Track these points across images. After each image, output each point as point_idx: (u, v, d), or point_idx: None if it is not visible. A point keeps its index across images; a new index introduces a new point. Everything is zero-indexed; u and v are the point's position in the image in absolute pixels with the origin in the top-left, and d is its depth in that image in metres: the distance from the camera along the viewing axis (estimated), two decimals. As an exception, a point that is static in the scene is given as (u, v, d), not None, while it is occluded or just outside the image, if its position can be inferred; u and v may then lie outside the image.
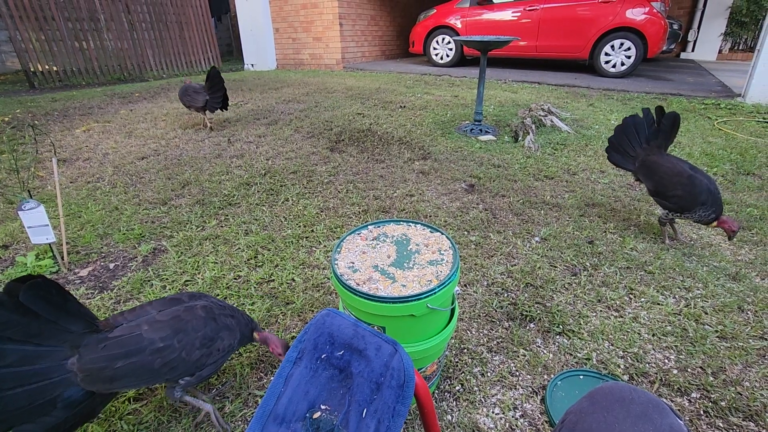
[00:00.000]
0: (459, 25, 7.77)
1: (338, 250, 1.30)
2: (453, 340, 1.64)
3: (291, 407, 0.60)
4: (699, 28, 10.79)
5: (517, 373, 1.49)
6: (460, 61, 8.20)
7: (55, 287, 1.04)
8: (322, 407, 0.60)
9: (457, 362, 1.54)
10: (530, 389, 1.43)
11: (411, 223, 1.45)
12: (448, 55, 8.19)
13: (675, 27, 8.38)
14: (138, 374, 1.10)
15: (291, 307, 1.80)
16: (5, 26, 6.44)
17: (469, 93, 5.74)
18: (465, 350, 1.59)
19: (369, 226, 1.43)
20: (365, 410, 0.57)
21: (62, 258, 2.10)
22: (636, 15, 6.30)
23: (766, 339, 1.63)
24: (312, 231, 2.41)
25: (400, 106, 5.02)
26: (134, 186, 3.00)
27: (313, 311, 1.80)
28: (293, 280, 1.99)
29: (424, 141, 3.88)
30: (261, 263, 2.12)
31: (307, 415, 0.59)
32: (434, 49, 8.28)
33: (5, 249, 2.25)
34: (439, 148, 3.74)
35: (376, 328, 1.17)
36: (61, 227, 2.10)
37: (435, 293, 1.11)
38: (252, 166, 3.32)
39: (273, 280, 1.98)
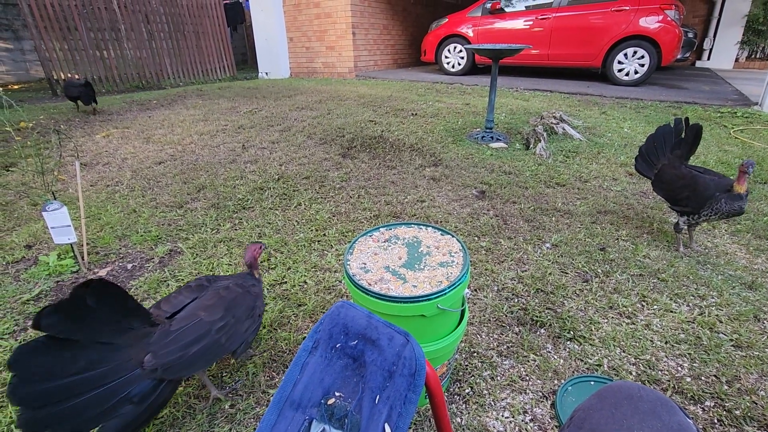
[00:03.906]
0: (471, 34, 7.83)
1: (351, 251, 1.32)
2: (463, 344, 1.65)
3: (307, 394, 0.62)
4: (715, 36, 10.68)
5: (527, 378, 1.49)
6: (472, 69, 8.24)
7: (114, 288, 1.07)
8: (337, 394, 0.62)
9: (467, 365, 1.55)
10: (540, 394, 1.43)
11: (422, 226, 1.47)
12: (459, 64, 8.24)
13: (690, 35, 8.31)
14: (210, 354, 1.20)
15: (303, 309, 1.83)
16: (30, 36, 6.69)
17: (481, 101, 5.76)
18: (475, 354, 1.60)
19: (381, 229, 1.45)
20: (378, 397, 0.59)
21: (82, 258, 2.16)
22: (649, 23, 6.27)
23: (782, 348, 1.60)
24: (324, 235, 2.44)
25: (412, 114, 5.06)
26: (151, 190, 3.08)
27: (324, 313, 1.83)
28: (305, 282, 2.02)
29: (436, 148, 3.91)
30: (274, 266, 2.15)
31: (322, 401, 0.61)
32: (446, 57, 8.34)
33: (29, 249, 2.33)
34: (450, 155, 3.76)
35: (387, 327, 1.19)
36: (81, 228, 2.17)
37: (445, 294, 1.12)
38: (265, 171, 3.38)
39: (285, 282, 2.02)
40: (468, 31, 7.85)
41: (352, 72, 8.76)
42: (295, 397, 0.62)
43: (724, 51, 10.69)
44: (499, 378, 1.49)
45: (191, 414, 1.35)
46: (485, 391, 1.44)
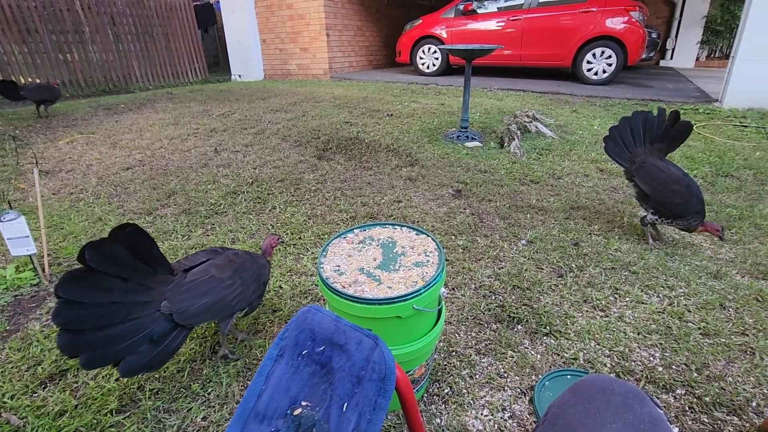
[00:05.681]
0: (444, 35, 7.89)
1: (324, 253, 1.30)
2: (441, 343, 1.64)
3: (272, 404, 0.59)
4: (677, 36, 11.13)
5: (506, 375, 1.50)
6: (446, 70, 8.31)
7: (145, 234, 1.19)
8: (303, 403, 0.60)
9: (445, 365, 1.54)
10: (518, 390, 1.43)
11: (397, 226, 1.45)
12: (434, 65, 8.30)
13: (653, 36, 8.63)
14: (217, 307, 1.33)
15: (278, 315, 1.79)
16: (-13, 39, 6.36)
17: (456, 101, 5.81)
18: (453, 353, 1.59)
19: (355, 230, 1.43)
20: (346, 404, 0.57)
21: (43, 270, 2.05)
22: (615, 24, 6.47)
23: (747, 335, 1.66)
24: (299, 238, 2.40)
25: (388, 115, 5.06)
26: (118, 197, 2.97)
27: (300, 318, 1.79)
28: (280, 287, 1.97)
29: (412, 148, 3.91)
30: (248, 271, 2.10)
31: (288, 411, 0.58)
32: (420, 58, 8.38)
33: (-16, 262, 2.20)
34: (426, 154, 3.77)
35: (362, 330, 1.16)
36: (42, 239, 2.06)
37: (421, 294, 1.11)
38: (239, 175, 3.31)
39: (260, 288, 1.96)
40: (442, 32, 7.91)
41: (327, 74, 8.71)
42: (259, 408, 0.58)
43: (685, 51, 11.15)
44: (477, 376, 1.49)
45: (161, 429, 1.29)
46: (464, 390, 1.43)
